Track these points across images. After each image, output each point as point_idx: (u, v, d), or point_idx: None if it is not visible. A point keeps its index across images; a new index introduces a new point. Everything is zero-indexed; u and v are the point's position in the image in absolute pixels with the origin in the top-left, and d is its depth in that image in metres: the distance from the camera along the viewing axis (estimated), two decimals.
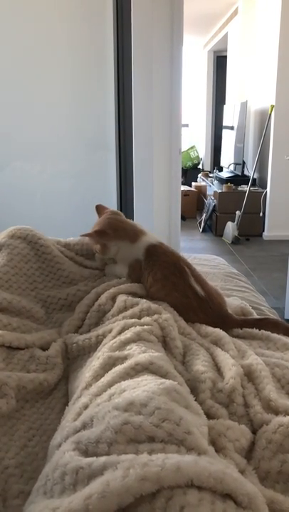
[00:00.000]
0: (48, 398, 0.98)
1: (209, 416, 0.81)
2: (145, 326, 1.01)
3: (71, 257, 1.43)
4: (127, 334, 0.98)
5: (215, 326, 1.15)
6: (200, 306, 1.18)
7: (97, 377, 0.86)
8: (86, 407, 0.76)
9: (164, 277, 1.21)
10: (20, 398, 0.92)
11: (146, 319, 1.06)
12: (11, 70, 2.85)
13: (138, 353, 0.87)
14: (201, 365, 0.93)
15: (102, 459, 0.56)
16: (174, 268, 1.21)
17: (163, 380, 0.73)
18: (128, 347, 0.93)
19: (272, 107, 4.91)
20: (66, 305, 1.29)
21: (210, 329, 1.12)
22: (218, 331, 1.10)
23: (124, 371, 0.81)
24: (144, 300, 1.16)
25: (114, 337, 1.00)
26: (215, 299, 1.20)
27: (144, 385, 0.71)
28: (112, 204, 3.16)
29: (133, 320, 1.05)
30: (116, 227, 1.29)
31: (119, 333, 1.01)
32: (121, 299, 1.17)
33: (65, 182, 3.08)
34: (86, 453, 0.60)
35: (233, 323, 1.20)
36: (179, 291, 1.19)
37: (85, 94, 2.95)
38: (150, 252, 1.25)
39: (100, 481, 0.51)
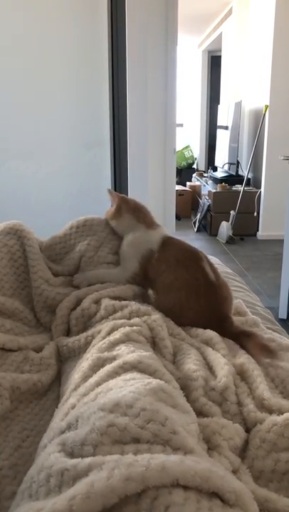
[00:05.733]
0: (42, 399, 0.98)
1: (202, 414, 0.81)
2: (134, 327, 1.01)
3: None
4: (116, 335, 0.98)
5: (211, 317, 1.13)
6: (206, 290, 1.15)
7: (85, 378, 0.86)
8: (74, 407, 0.76)
9: (177, 262, 1.20)
10: (15, 399, 0.92)
11: (135, 320, 1.06)
12: (6, 69, 2.85)
13: (127, 353, 0.87)
14: (192, 363, 0.93)
15: (88, 460, 0.55)
16: (189, 253, 1.22)
17: (150, 380, 0.73)
18: (117, 348, 0.93)
19: (267, 106, 4.92)
20: (50, 311, 1.25)
21: (200, 330, 1.11)
22: (209, 332, 1.09)
23: (112, 370, 0.81)
24: (134, 302, 1.16)
25: (104, 338, 1.00)
26: (223, 291, 1.18)
27: (131, 385, 0.71)
28: (107, 203, 3.15)
29: (122, 321, 1.05)
30: (137, 207, 1.37)
31: (108, 333, 1.01)
32: (108, 302, 1.15)
33: (60, 181, 3.08)
34: (72, 454, 0.60)
35: (229, 326, 1.13)
36: (190, 273, 1.17)
37: (79, 94, 2.94)
38: (166, 243, 1.26)
39: (85, 481, 0.51)
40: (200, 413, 0.80)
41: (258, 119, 5.27)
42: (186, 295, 1.15)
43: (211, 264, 1.22)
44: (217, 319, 1.14)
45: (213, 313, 1.14)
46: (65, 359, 1.09)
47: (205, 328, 1.12)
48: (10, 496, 0.69)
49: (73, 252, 1.38)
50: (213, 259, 2.03)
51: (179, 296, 1.16)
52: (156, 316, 1.09)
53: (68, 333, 1.19)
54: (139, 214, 1.35)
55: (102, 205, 3.13)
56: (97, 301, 1.19)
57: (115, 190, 3.17)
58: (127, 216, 1.36)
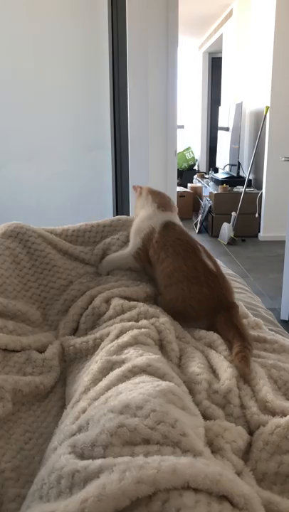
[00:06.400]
0: (44, 401, 0.97)
1: (206, 417, 0.81)
2: (142, 329, 1.01)
3: (66, 250, 1.42)
4: (125, 338, 0.98)
5: (216, 305, 1.14)
6: (207, 280, 1.17)
7: (95, 381, 0.86)
8: (84, 411, 0.76)
9: (175, 253, 1.23)
10: (17, 401, 0.92)
11: (143, 322, 1.06)
12: (7, 71, 2.85)
13: (135, 357, 0.87)
14: (196, 367, 0.93)
15: (98, 461, 0.55)
16: (187, 245, 1.25)
17: (160, 382, 0.73)
18: (126, 351, 0.93)
19: (268, 108, 4.92)
20: (62, 310, 1.28)
21: (203, 332, 1.12)
22: (212, 334, 1.09)
23: (122, 374, 0.81)
24: (142, 303, 1.17)
25: (112, 340, 1.00)
26: (225, 281, 1.20)
27: (141, 388, 0.71)
28: (108, 205, 3.16)
29: (130, 323, 1.06)
30: (157, 192, 1.45)
31: (117, 336, 1.01)
32: (117, 302, 1.17)
33: (61, 184, 3.08)
34: (82, 456, 0.60)
35: (236, 314, 1.14)
36: (188, 265, 1.20)
37: (80, 96, 2.95)
38: (166, 226, 1.30)
39: (96, 484, 0.51)
40: (203, 416, 0.80)
41: (258, 120, 5.27)
42: (187, 285, 1.17)
43: (209, 256, 1.25)
44: (223, 307, 1.15)
45: (218, 301, 1.16)
46: (70, 360, 1.09)
47: (213, 318, 1.13)
48: (13, 498, 0.69)
49: (101, 243, 1.44)
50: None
51: (181, 287, 1.18)
52: (165, 319, 1.09)
53: (75, 331, 1.20)
54: (156, 196, 1.41)
55: (103, 208, 3.15)
56: (108, 300, 1.21)
57: (116, 192, 3.18)
58: (144, 197, 1.43)
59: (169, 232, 1.29)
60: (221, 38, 6.94)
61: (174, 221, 1.34)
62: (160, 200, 1.40)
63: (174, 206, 1.43)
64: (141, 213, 1.41)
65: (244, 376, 0.93)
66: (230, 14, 6.21)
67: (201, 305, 1.16)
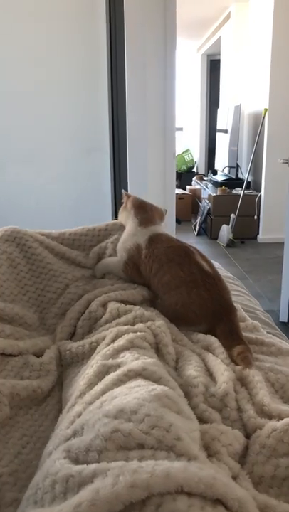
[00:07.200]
0: (41, 405, 0.98)
1: (202, 420, 0.81)
2: (138, 333, 1.01)
3: (62, 254, 1.43)
4: (120, 342, 0.98)
5: (217, 308, 1.14)
6: (205, 283, 1.16)
7: (90, 385, 0.86)
8: (80, 415, 0.76)
9: (169, 260, 1.22)
10: (14, 405, 0.92)
11: (139, 326, 1.06)
12: (7, 75, 2.86)
13: (131, 361, 0.87)
14: (193, 370, 0.93)
15: (92, 466, 0.56)
16: (179, 249, 1.24)
17: (154, 387, 0.73)
18: (121, 354, 0.93)
19: (266, 110, 4.93)
20: (59, 313, 1.28)
21: (201, 335, 1.12)
22: (209, 337, 1.09)
23: (117, 378, 0.81)
24: (138, 307, 1.17)
25: (108, 344, 1.00)
26: (222, 282, 1.20)
27: (136, 392, 0.71)
28: (107, 207, 3.17)
29: (126, 327, 1.06)
30: (141, 205, 1.42)
31: (113, 340, 1.01)
32: (113, 306, 1.17)
33: (61, 186, 3.09)
34: (77, 461, 0.60)
35: (235, 318, 1.14)
36: (185, 270, 1.19)
37: (79, 99, 2.96)
38: (153, 240, 1.29)
39: (90, 488, 0.51)
40: (200, 419, 0.80)
41: (257, 122, 5.28)
42: (186, 290, 1.16)
43: (203, 257, 1.25)
44: (224, 310, 1.14)
45: (217, 304, 1.15)
46: (67, 364, 1.09)
47: (215, 323, 1.12)
48: (10, 502, 0.69)
49: (97, 247, 1.46)
50: (214, 263, 2.03)
51: (180, 292, 1.17)
52: (160, 322, 1.09)
53: (72, 335, 1.20)
54: (139, 211, 1.40)
55: (102, 210, 3.15)
56: (105, 304, 1.21)
57: (115, 195, 3.19)
58: (128, 210, 1.42)
59: (156, 244, 1.28)
60: (219, 40, 6.96)
61: (159, 232, 1.33)
62: (142, 216, 1.38)
63: (159, 216, 1.42)
64: (126, 227, 1.41)
65: (243, 378, 0.94)
66: (228, 17, 6.23)
67: (201, 309, 1.15)
